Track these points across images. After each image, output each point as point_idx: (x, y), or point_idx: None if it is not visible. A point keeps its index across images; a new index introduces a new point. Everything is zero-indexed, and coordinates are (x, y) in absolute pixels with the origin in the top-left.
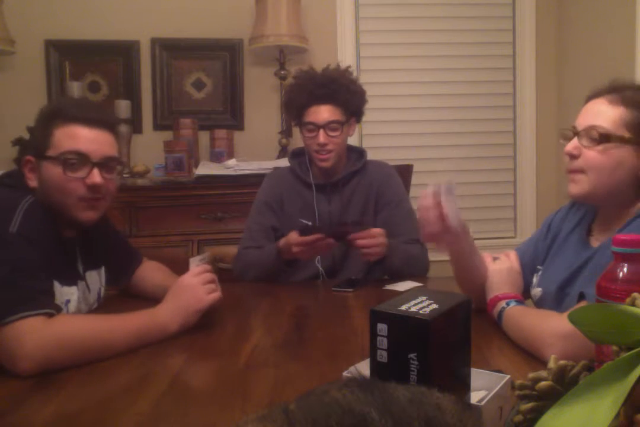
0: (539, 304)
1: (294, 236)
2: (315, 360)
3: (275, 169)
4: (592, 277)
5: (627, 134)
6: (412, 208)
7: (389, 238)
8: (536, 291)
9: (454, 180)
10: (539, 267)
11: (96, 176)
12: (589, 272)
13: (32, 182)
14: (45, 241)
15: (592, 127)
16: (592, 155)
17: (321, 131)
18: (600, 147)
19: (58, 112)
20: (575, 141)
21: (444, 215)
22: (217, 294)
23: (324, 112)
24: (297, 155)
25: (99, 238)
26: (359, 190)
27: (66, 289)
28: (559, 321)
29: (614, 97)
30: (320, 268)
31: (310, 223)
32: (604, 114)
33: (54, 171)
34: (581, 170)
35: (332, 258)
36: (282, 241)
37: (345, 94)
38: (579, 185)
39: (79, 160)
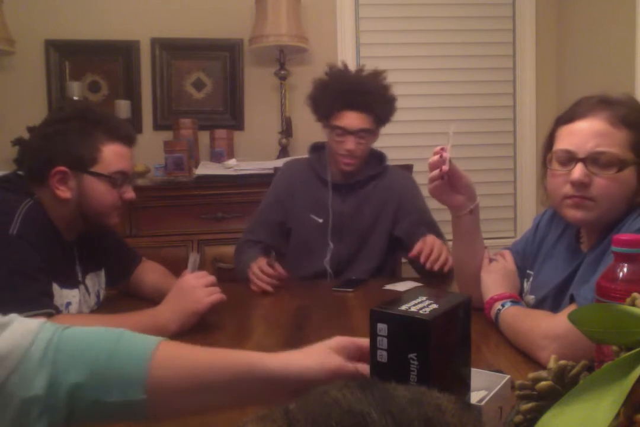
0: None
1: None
2: None
3: (294, 160)
4: (582, 278)
5: (634, 157)
6: (434, 218)
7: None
8: (529, 298)
9: (454, 125)
10: (529, 271)
11: (132, 192)
12: (579, 274)
13: (64, 194)
14: (44, 243)
15: (602, 153)
16: (605, 184)
17: (351, 138)
18: (611, 174)
19: (102, 126)
20: (582, 168)
21: (444, 159)
22: (216, 296)
23: (356, 119)
24: (318, 149)
25: (97, 240)
26: (375, 194)
27: (66, 291)
28: (549, 323)
29: (610, 117)
30: (329, 269)
31: (321, 220)
32: (610, 136)
33: (99, 186)
34: (591, 198)
35: (338, 259)
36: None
37: (381, 104)
38: (586, 212)
39: (123, 178)
